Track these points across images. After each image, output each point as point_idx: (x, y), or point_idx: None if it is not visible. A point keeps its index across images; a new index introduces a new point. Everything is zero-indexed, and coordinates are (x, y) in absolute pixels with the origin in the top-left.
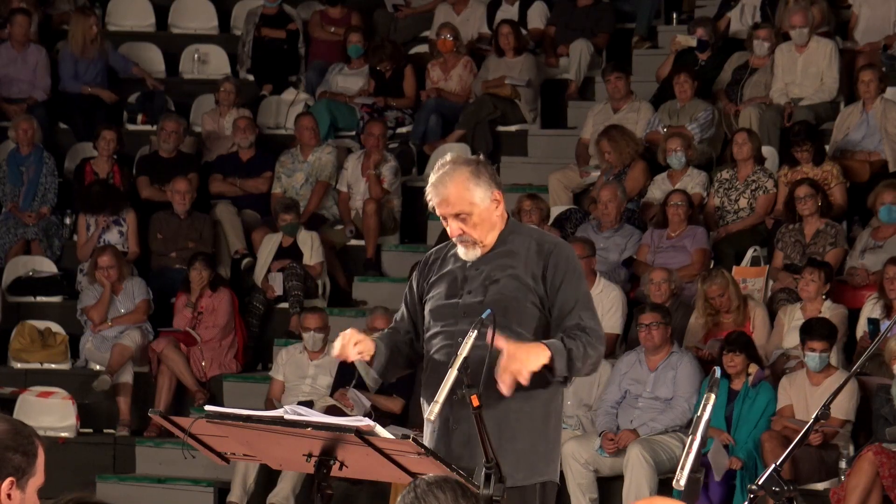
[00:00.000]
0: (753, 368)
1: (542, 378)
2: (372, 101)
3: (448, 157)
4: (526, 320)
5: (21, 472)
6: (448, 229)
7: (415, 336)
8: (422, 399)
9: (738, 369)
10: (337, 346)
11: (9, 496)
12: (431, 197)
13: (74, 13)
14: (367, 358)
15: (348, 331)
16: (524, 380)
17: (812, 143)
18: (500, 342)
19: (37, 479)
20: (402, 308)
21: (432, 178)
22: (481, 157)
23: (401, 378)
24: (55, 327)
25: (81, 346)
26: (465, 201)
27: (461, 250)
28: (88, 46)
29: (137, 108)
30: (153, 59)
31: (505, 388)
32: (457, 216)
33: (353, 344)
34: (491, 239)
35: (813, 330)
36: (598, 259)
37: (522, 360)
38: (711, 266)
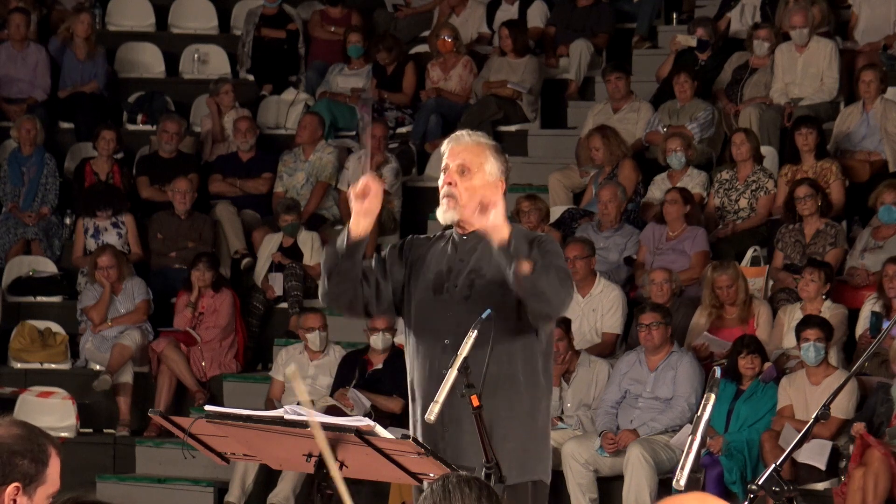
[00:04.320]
0: (766, 366)
1: (530, 378)
2: (370, 98)
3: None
4: (514, 313)
5: (29, 478)
6: (442, 179)
7: (374, 289)
8: (410, 398)
9: (756, 371)
10: (360, 184)
11: (14, 502)
12: (448, 143)
13: (72, 12)
14: (358, 206)
15: (376, 186)
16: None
17: (816, 130)
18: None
19: (47, 486)
20: (371, 263)
21: (458, 132)
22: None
23: (400, 378)
24: (55, 327)
25: (81, 346)
26: (477, 159)
27: (440, 209)
28: (82, 46)
29: (137, 108)
30: (153, 59)
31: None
32: (460, 168)
33: (363, 195)
34: (473, 219)
35: (807, 323)
36: (599, 259)
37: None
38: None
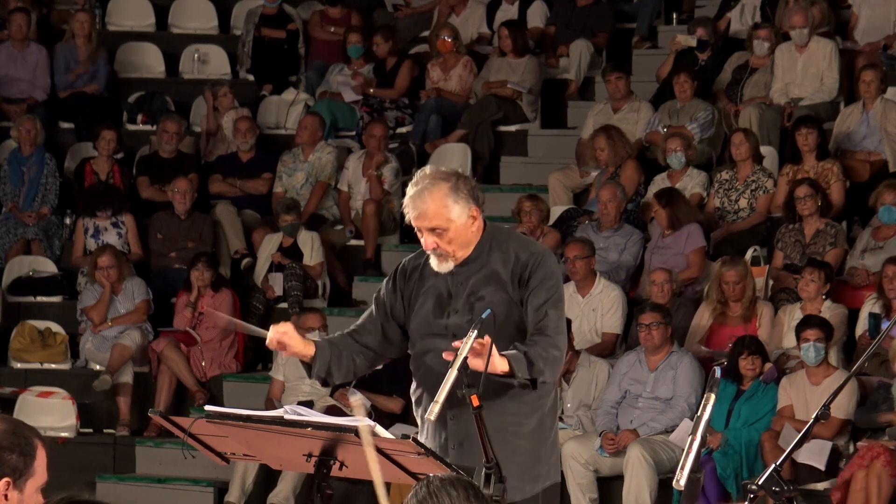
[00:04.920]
0: (767, 366)
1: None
2: (363, 96)
3: (427, 170)
4: (512, 333)
5: (18, 472)
6: (423, 241)
7: (382, 338)
8: (414, 410)
9: (756, 372)
10: (269, 336)
11: (5, 497)
12: (409, 210)
13: (69, 12)
14: (286, 354)
15: (282, 325)
16: (475, 365)
17: (817, 131)
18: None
19: (36, 479)
20: (372, 309)
21: (410, 190)
22: (460, 171)
23: (400, 379)
24: (55, 327)
25: (81, 346)
26: (443, 217)
27: (434, 262)
28: (83, 46)
29: (137, 108)
30: (153, 59)
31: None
32: (432, 230)
33: (277, 339)
34: (466, 252)
35: (807, 323)
36: (598, 259)
37: (485, 358)
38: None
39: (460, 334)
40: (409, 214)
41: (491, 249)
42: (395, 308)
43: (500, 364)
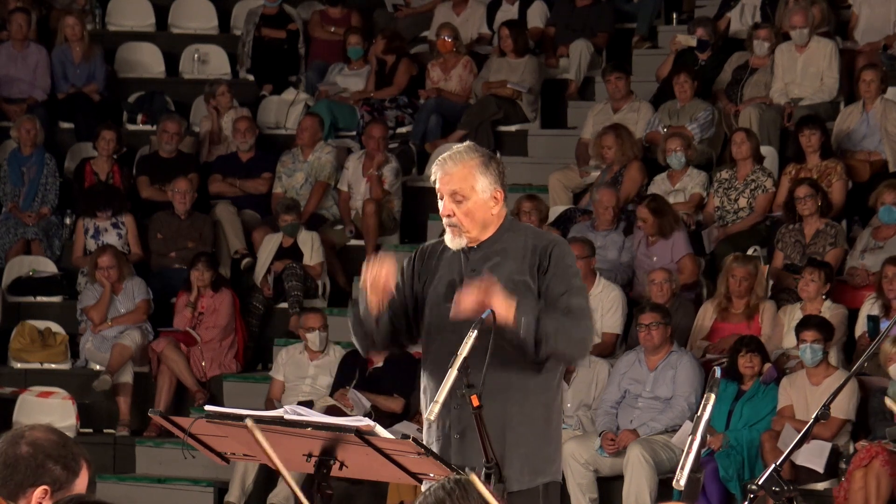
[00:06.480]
0: (766, 367)
1: (541, 380)
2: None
3: (465, 143)
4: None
5: (58, 484)
6: (440, 207)
7: (404, 323)
8: (422, 402)
9: (755, 370)
10: (371, 273)
11: None
12: (435, 171)
13: (64, 13)
14: (391, 287)
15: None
16: (471, 302)
17: (820, 131)
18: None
19: None
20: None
21: (443, 155)
22: (497, 154)
23: (400, 378)
24: (55, 327)
25: (81, 346)
26: (467, 184)
27: (447, 236)
28: (76, 48)
29: (137, 108)
30: (153, 59)
31: (461, 301)
32: (453, 195)
33: (383, 272)
34: (483, 235)
35: (805, 324)
36: (598, 258)
37: (493, 291)
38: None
39: (470, 320)
40: (434, 175)
41: (507, 238)
42: (413, 286)
43: (505, 307)
